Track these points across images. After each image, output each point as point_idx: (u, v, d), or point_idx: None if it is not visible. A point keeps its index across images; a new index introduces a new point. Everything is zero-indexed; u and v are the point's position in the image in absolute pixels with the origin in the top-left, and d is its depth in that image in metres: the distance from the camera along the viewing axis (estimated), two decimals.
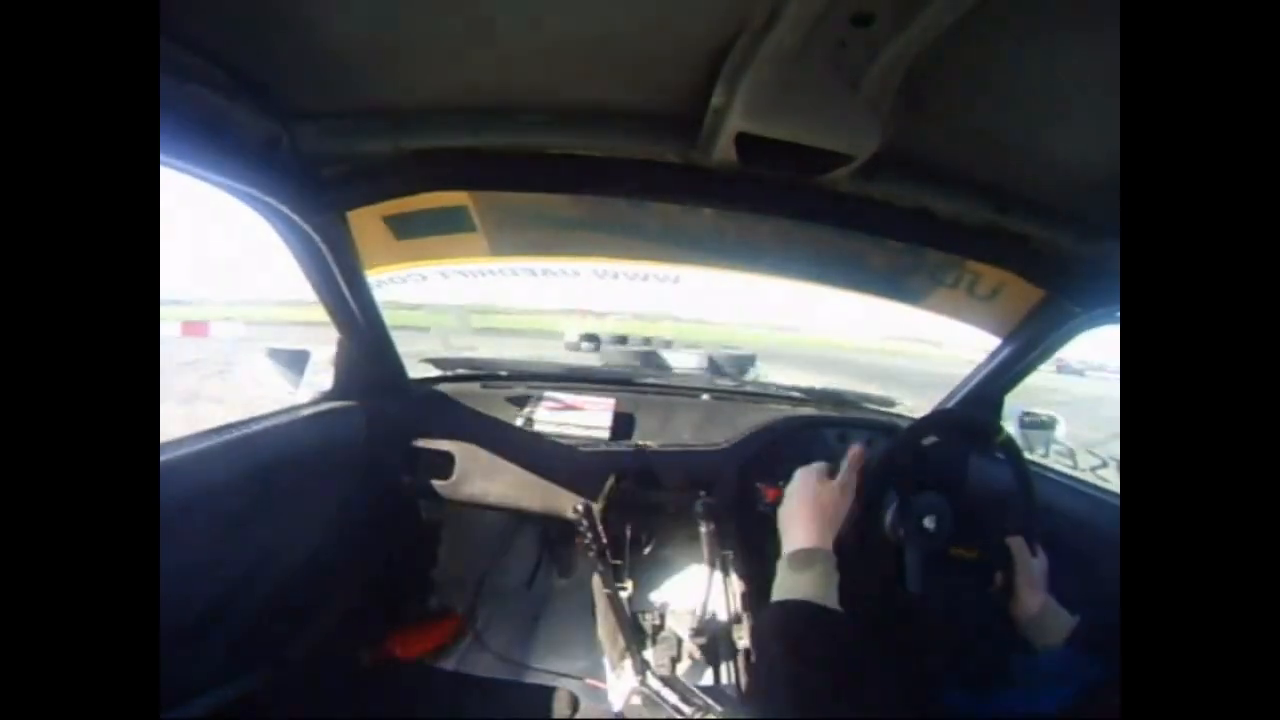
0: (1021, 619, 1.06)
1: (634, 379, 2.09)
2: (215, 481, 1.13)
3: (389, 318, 1.60)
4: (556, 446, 1.71)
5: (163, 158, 0.83)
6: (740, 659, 1.62)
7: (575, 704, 1.65)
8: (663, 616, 1.73)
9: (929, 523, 1.09)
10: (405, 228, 1.38)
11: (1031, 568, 1.09)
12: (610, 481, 1.63)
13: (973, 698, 1.04)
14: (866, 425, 1.85)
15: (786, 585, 0.82)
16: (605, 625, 1.53)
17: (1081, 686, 0.85)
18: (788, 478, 1.73)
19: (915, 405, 2.11)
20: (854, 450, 1.02)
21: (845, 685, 0.71)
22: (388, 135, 1.08)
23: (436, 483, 1.72)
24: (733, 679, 1.60)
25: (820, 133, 0.94)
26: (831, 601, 0.79)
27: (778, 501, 1.73)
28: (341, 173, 1.17)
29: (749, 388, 2.13)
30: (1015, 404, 1.84)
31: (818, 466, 1.02)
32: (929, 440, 1.15)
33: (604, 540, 1.48)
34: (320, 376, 1.64)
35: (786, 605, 0.79)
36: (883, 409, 2.04)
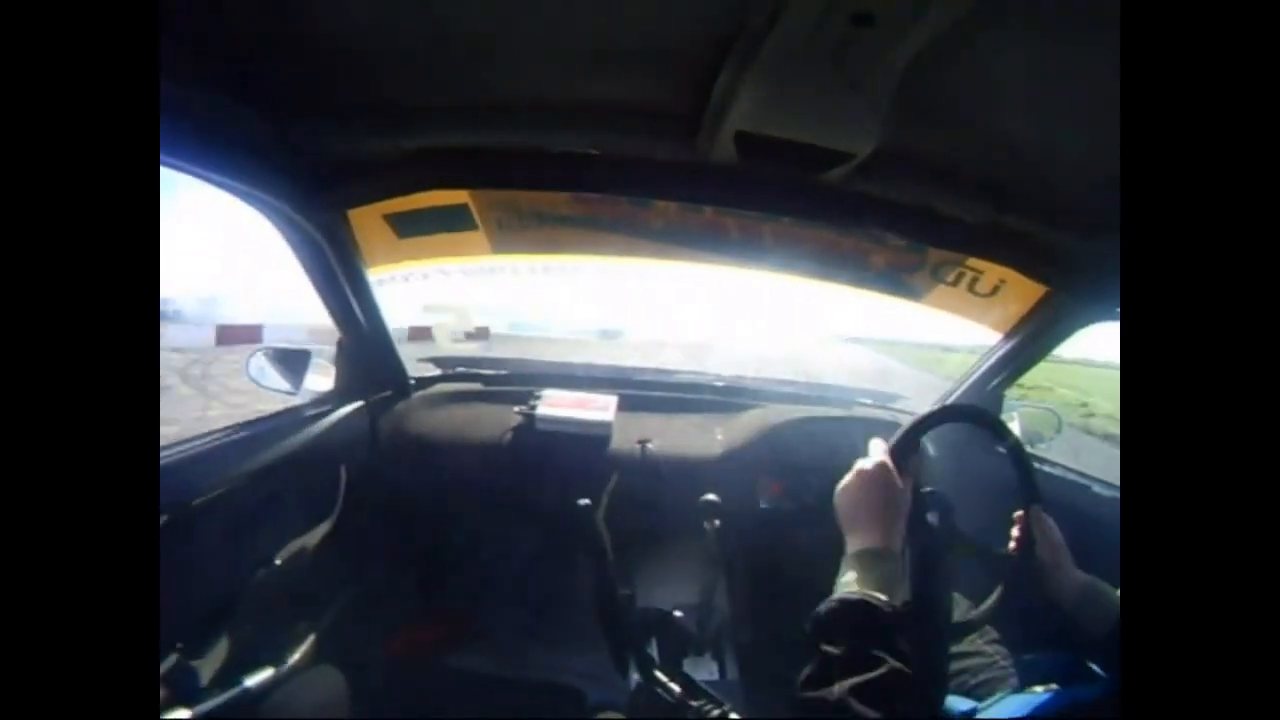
0: (1063, 601, 0.97)
1: (635, 378, 2.09)
2: (219, 482, 1.14)
3: None
4: (559, 445, 1.71)
5: (164, 158, 0.83)
6: (743, 654, 1.62)
7: (578, 701, 1.65)
8: (666, 613, 1.74)
9: (932, 518, 1.09)
10: (407, 226, 1.38)
11: (1057, 540, 1.01)
12: (613, 479, 1.64)
13: (972, 702, 1.04)
14: (867, 422, 1.85)
15: (850, 581, 0.78)
16: (608, 622, 1.54)
17: (1084, 693, 0.84)
18: (789, 475, 1.75)
19: (916, 401, 2.10)
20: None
21: (900, 684, 0.68)
22: (389, 134, 1.08)
23: (438, 481, 1.72)
24: (737, 674, 1.60)
25: (820, 131, 0.95)
26: (898, 600, 0.75)
27: (781, 497, 1.74)
28: (343, 171, 1.17)
29: (750, 386, 2.13)
30: (1015, 400, 1.84)
31: (877, 458, 0.93)
32: (930, 435, 1.15)
33: (606, 537, 1.48)
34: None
35: (849, 602, 0.76)
36: (884, 405, 2.04)
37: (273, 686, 1.25)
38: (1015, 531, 1.07)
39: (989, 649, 1.24)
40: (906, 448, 0.97)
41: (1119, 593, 0.94)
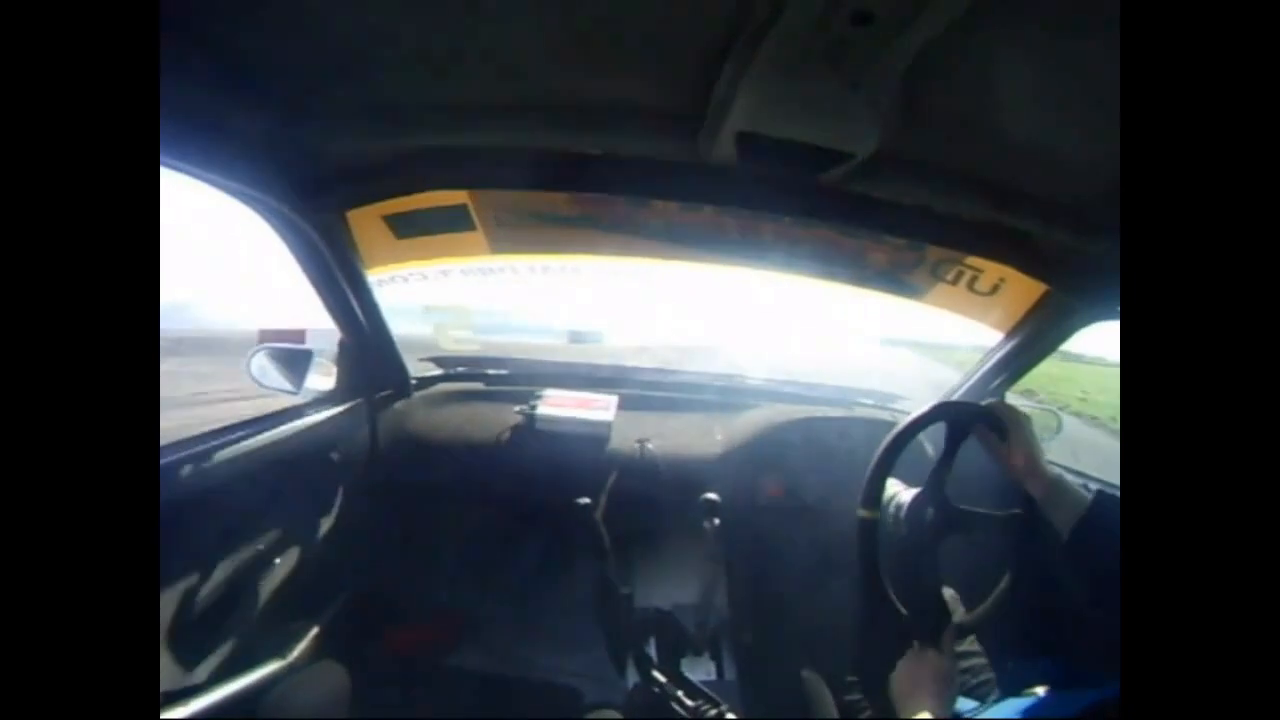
0: (1036, 497, 1.04)
1: (636, 378, 2.09)
2: (220, 481, 1.14)
3: None
4: (559, 444, 1.72)
5: (162, 158, 0.83)
6: (742, 654, 1.62)
7: (576, 701, 1.65)
8: (664, 613, 1.74)
9: (930, 515, 1.10)
10: (405, 226, 1.38)
11: (1029, 439, 1.07)
12: (612, 478, 1.64)
13: (972, 702, 1.04)
14: (867, 422, 1.85)
15: None
16: (607, 622, 1.54)
17: (1086, 697, 0.84)
18: (789, 474, 1.75)
19: (917, 401, 2.10)
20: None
21: None
22: (388, 134, 1.08)
23: (439, 480, 1.73)
24: (734, 674, 1.60)
25: (821, 131, 0.94)
26: None
27: (780, 497, 1.74)
28: (341, 172, 1.17)
29: (751, 385, 2.14)
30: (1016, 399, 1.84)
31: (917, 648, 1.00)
32: (929, 434, 1.16)
33: (606, 537, 1.48)
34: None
35: None
36: (884, 405, 2.04)
37: (272, 685, 1.25)
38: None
39: (967, 641, 1.25)
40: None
41: (1084, 489, 1.01)
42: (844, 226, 1.38)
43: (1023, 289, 1.48)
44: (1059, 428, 1.81)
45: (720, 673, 1.59)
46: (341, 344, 1.63)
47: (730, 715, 1.14)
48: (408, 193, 1.25)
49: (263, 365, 1.59)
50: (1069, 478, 1.04)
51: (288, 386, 1.58)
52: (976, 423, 1.11)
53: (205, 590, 1.14)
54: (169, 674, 1.02)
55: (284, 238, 1.27)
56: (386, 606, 1.81)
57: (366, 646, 1.72)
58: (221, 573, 1.18)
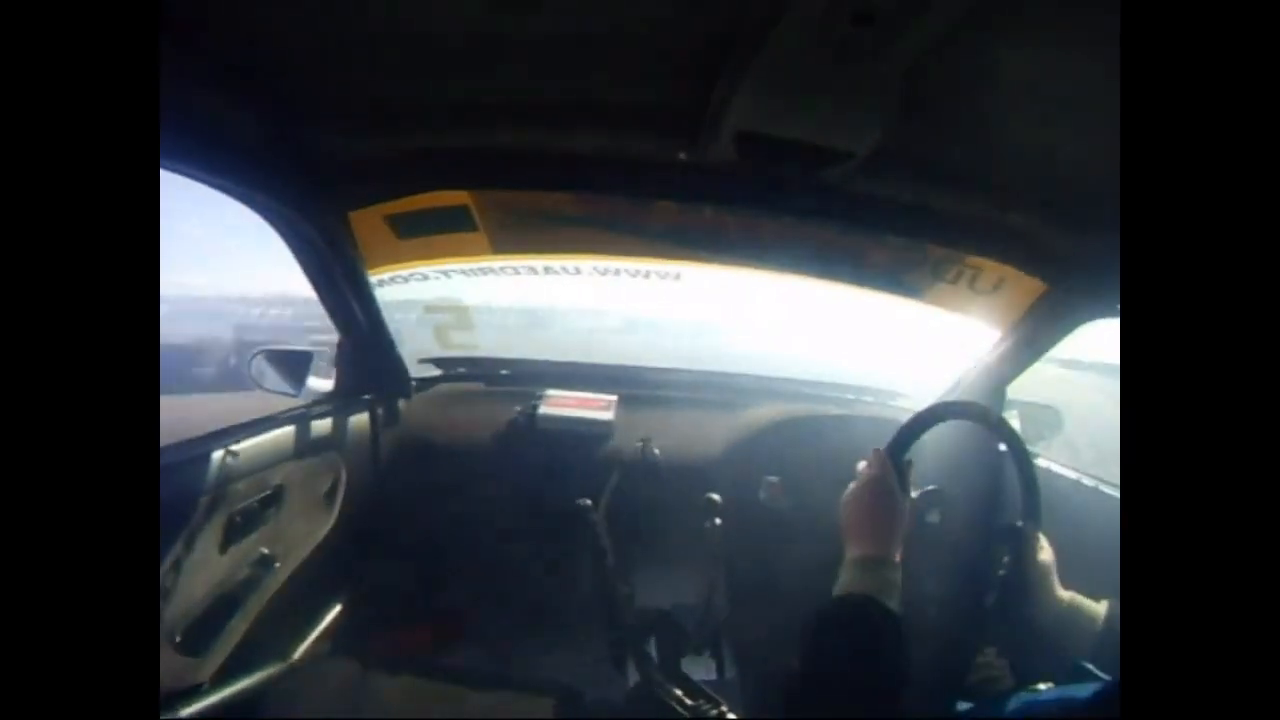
0: (1046, 623, 0.95)
1: (637, 377, 2.09)
2: (218, 481, 1.14)
3: None
4: (559, 444, 1.72)
5: (163, 159, 0.83)
6: (740, 654, 1.62)
7: (577, 701, 1.65)
8: (665, 612, 1.74)
9: (932, 517, 1.09)
10: (407, 227, 1.38)
11: (1046, 562, 1.00)
12: (613, 478, 1.64)
13: (970, 702, 1.04)
14: (868, 420, 1.85)
15: (850, 583, 0.80)
16: (607, 622, 1.54)
17: (1082, 691, 0.84)
18: (790, 473, 1.75)
19: (917, 399, 2.10)
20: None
21: (891, 686, 0.71)
22: (389, 134, 1.08)
23: (439, 481, 1.73)
24: (735, 674, 1.60)
25: (821, 130, 0.95)
26: (894, 605, 0.77)
27: (781, 496, 1.74)
28: (343, 173, 1.17)
29: (751, 384, 2.13)
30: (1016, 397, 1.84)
31: (878, 466, 0.92)
32: (931, 432, 1.15)
33: (606, 536, 1.48)
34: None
35: (849, 602, 0.78)
36: (885, 403, 2.04)
37: (272, 684, 1.25)
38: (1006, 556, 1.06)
39: (986, 648, 1.24)
40: (903, 450, 0.96)
41: (1102, 604, 0.93)
42: (844, 226, 1.38)
43: (1023, 287, 1.48)
44: (1060, 426, 1.80)
45: (720, 672, 1.59)
46: (341, 345, 1.63)
47: (730, 715, 1.14)
48: (409, 193, 1.25)
49: (262, 367, 1.59)
50: (1080, 600, 0.96)
51: (287, 388, 1.58)
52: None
53: (206, 591, 1.14)
54: (171, 674, 1.02)
55: (286, 238, 1.27)
56: (387, 606, 1.80)
57: (366, 646, 1.71)
58: (222, 573, 1.18)
